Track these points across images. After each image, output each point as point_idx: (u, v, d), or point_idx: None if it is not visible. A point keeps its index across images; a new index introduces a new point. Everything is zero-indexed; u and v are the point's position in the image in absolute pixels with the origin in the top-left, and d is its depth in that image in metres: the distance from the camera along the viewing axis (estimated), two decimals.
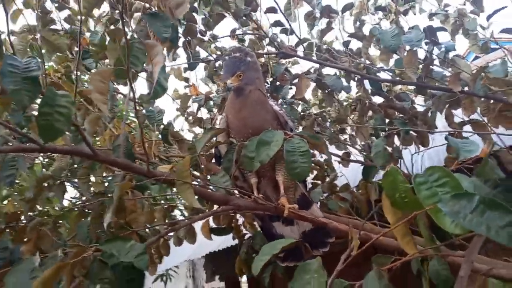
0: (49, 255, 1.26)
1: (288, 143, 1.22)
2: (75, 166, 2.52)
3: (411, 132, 2.42)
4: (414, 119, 2.49)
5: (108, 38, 2.45)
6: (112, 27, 2.05)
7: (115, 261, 1.03)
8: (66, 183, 2.33)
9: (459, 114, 2.37)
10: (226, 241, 4.82)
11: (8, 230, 2.01)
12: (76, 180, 2.50)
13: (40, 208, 2.30)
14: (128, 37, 1.61)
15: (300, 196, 1.88)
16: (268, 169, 1.72)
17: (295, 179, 1.51)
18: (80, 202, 3.74)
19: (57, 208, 2.87)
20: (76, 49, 2.58)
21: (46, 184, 2.11)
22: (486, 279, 1.09)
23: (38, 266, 1.13)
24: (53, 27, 2.48)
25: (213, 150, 1.98)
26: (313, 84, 2.66)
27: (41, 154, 2.69)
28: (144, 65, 1.44)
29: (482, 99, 2.13)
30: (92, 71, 2.57)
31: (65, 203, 3.04)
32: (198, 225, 2.69)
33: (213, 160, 2.10)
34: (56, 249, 1.34)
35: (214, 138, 1.76)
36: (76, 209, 2.60)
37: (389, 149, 1.98)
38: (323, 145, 1.32)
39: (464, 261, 0.86)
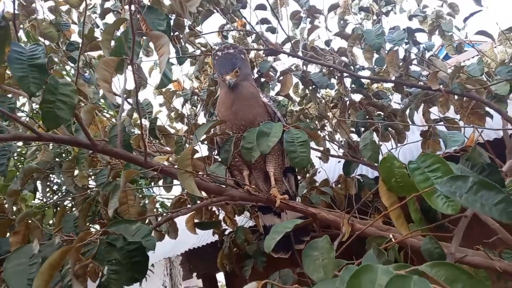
0: (46, 243, 1.26)
1: (287, 133, 1.28)
2: (57, 160, 2.50)
3: (389, 128, 2.55)
4: (392, 116, 2.62)
5: (97, 30, 2.45)
6: (102, 18, 2.04)
7: (121, 244, 1.05)
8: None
9: (434, 112, 2.52)
10: (204, 238, 4.84)
11: None
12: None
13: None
14: (123, 29, 1.63)
15: (285, 191, 1.95)
16: (260, 162, 1.78)
17: (296, 167, 1.57)
18: (56, 197, 3.67)
19: (35, 203, 2.81)
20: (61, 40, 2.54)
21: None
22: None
23: (37, 253, 1.13)
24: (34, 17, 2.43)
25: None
26: (294, 81, 2.74)
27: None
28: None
29: (456, 97, 2.28)
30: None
31: (36, 201, 2.99)
32: (178, 221, 2.71)
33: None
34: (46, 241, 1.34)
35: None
36: (58, 203, 2.57)
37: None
38: (319, 136, 1.38)
39: (454, 239, 0.95)
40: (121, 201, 1.88)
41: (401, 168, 0.99)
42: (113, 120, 3.05)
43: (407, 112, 2.54)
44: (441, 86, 2.23)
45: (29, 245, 1.18)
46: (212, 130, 1.56)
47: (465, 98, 2.23)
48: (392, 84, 2.74)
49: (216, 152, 2.12)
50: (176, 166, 1.28)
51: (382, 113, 2.69)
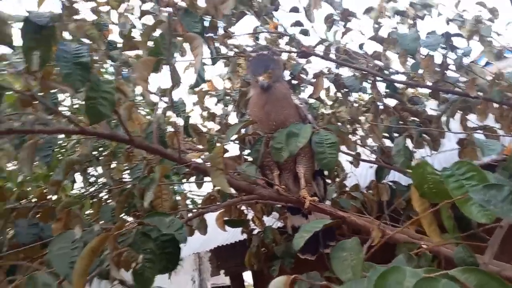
0: (86, 230, 1.34)
1: (316, 135, 1.30)
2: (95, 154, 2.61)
3: (423, 135, 2.49)
4: (427, 122, 2.56)
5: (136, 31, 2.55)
6: (142, 20, 2.13)
7: (155, 234, 1.11)
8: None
9: (472, 120, 2.44)
10: (233, 236, 4.89)
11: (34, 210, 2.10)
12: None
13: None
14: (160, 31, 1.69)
15: (313, 193, 1.95)
16: (290, 163, 1.80)
17: (324, 169, 1.58)
18: (93, 189, 3.83)
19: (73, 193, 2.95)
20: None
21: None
22: None
23: (79, 238, 1.21)
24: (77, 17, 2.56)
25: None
26: (326, 84, 2.74)
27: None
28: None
29: (496, 105, 2.20)
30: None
31: (74, 192, 3.14)
32: (208, 217, 2.77)
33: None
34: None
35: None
36: (95, 194, 2.70)
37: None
38: (349, 138, 1.39)
39: (488, 249, 0.93)
40: (156, 195, 1.95)
41: (434, 174, 0.98)
42: (149, 117, 3.16)
43: (443, 118, 2.47)
44: (480, 93, 2.16)
45: (71, 231, 1.26)
46: (243, 130, 1.59)
47: (505, 106, 2.16)
48: (428, 90, 2.69)
49: (247, 152, 2.16)
50: (208, 164, 1.32)
51: (417, 119, 2.64)
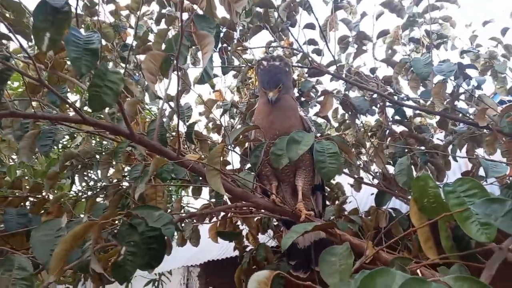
0: (74, 220, 1.31)
1: (318, 143, 1.27)
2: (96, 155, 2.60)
3: (428, 164, 2.45)
4: (433, 151, 2.51)
5: (151, 34, 2.59)
6: (157, 23, 2.16)
7: (142, 229, 1.07)
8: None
9: (479, 153, 2.39)
10: (225, 252, 4.80)
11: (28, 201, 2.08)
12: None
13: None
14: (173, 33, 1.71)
15: (311, 209, 1.90)
16: (289, 174, 1.77)
17: (323, 178, 1.54)
18: (90, 193, 3.81)
19: (73, 192, 2.94)
20: (116, 41, 2.72)
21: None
22: None
23: (65, 227, 1.18)
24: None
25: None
26: (334, 105, 2.72)
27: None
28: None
29: (505, 138, 2.15)
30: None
31: (72, 193, 3.12)
32: (201, 231, 2.71)
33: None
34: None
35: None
36: (89, 194, 2.67)
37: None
38: (350, 150, 1.36)
39: (485, 270, 0.88)
40: (150, 196, 1.93)
41: (435, 188, 0.94)
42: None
43: (450, 148, 2.43)
44: (490, 124, 2.13)
45: (58, 219, 1.23)
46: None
47: None
48: (436, 120, 2.66)
49: (248, 165, 2.13)
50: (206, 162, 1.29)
51: (423, 147, 2.60)
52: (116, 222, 1.23)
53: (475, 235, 0.84)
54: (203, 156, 2.32)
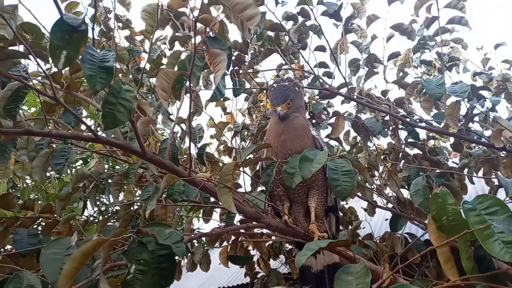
0: (85, 238, 1.29)
1: (331, 161, 1.25)
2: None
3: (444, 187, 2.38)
4: (448, 174, 2.46)
5: (164, 58, 2.65)
6: (171, 45, 2.21)
7: (152, 247, 1.05)
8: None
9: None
10: (235, 278, 4.69)
11: (39, 222, 2.07)
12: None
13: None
14: (185, 55, 1.74)
15: (324, 231, 1.86)
16: (302, 195, 1.74)
17: (338, 197, 1.51)
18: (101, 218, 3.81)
19: (84, 217, 2.94)
20: (130, 65, 2.78)
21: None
22: None
23: (75, 245, 1.16)
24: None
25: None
26: (346, 128, 2.71)
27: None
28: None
29: None
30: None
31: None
32: (212, 256, 2.66)
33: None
34: None
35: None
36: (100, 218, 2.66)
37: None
38: (365, 168, 1.33)
39: None
40: (161, 217, 1.91)
41: (455, 205, 0.91)
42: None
43: (466, 171, 2.38)
44: (506, 146, 2.08)
45: (68, 237, 1.21)
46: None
47: None
48: (450, 143, 2.61)
49: (259, 188, 2.10)
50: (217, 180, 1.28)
51: (438, 170, 2.55)
52: (127, 242, 1.21)
53: (498, 254, 0.80)
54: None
